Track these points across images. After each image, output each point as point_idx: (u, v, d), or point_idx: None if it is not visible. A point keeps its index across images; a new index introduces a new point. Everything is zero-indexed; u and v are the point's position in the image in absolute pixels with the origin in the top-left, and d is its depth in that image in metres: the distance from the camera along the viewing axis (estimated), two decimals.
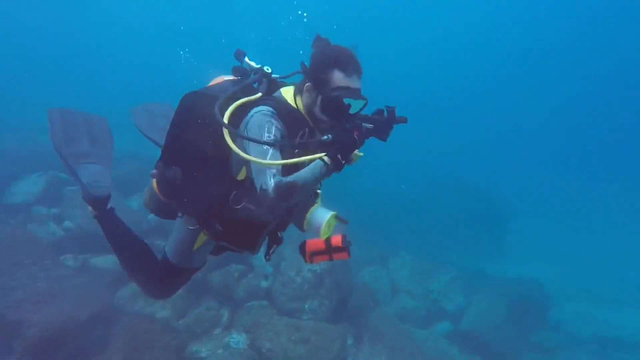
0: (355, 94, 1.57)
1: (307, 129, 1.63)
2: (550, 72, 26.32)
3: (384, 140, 1.68)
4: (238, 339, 4.11)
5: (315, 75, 1.58)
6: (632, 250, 13.97)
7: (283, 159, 1.50)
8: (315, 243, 1.69)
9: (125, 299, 4.42)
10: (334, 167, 1.47)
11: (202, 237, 1.82)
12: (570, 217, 17.93)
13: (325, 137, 1.55)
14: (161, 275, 1.90)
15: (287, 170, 1.49)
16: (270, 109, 1.57)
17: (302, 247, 1.70)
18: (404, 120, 1.63)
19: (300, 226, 1.83)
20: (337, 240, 1.68)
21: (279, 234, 1.86)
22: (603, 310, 8.96)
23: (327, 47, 1.59)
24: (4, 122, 9.31)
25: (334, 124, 1.61)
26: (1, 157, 6.56)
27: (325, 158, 1.46)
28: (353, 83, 1.56)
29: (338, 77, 1.55)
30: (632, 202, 21.05)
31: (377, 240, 10.38)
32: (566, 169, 26.24)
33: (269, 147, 1.47)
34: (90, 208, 2.07)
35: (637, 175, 25.11)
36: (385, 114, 1.60)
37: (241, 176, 1.65)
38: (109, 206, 2.07)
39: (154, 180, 1.86)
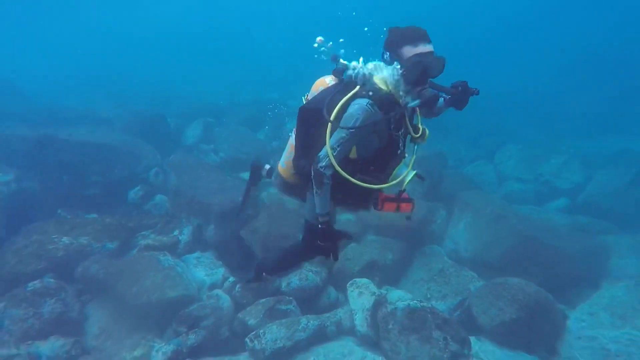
0: (427, 56, 1.76)
1: (397, 106, 1.87)
2: None
3: (460, 109, 1.94)
4: None
5: (392, 57, 1.83)
6: None
7: (377, 140, 1.89)
8: (385, 195, 2.01)
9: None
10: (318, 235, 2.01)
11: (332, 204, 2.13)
12: None
13: (414, 102, 1.81)
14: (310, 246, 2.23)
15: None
16: (367, 100, 1.82)
17: (376, 198, 2.02)
18: (476, 92, 1.84)
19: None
20: (405, 195, 2.02)
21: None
22: None
23: (393, 32, 1.84)
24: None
25: (419, 90, 1.78)
26: (173, 115, 9.25)
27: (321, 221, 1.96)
28: (421, 49, 1.76)
29: (408, 49, 1.77)
30: None
31: (481, 139, 10.36)
32: None
33: (347, 134, 1.80)
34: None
35: None
36: (460, 87, 1.84)
37: (353, 155, 1.95)
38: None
39: (280, 169, 2.30)
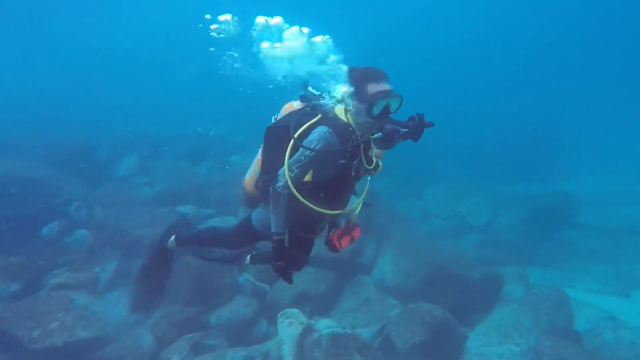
0: (388, 93, 1.91)
1: (354, 137, 1.98)
2: None
3: (416, 141, 2.08)
4: None
5: (355, 93, 1.97)
6: None
7: (332, 166, 1.97)
8: (335, 234, 2.10)
9: None
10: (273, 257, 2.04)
11: None
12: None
13: (375, 135, 1.97)
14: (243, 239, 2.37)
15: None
16: (327, 128, 1.93)
17: (328, 242, 2.11)
18: (431, 124, 2.01)
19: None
20: (351, 222, 2.13)
21: (339, 223, 2.26)
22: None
23: (356, 70, 1.99)
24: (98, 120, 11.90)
25: (380, 125, 1.95)
26: (107, 146, 8.90)
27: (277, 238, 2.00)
28: (383, 86, 1.92)
29: (372, 87, 1.91)
30: None
31: (414, 178, 11.49)
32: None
33: (305, 157, 1.90)
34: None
35: None
36: (417, 120, 2.00)
37: (308, 178, 2.02)
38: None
39: (244, 182, 2.41)
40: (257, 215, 2.30)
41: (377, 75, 1.94)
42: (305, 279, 4.92)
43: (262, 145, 2.28)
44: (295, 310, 4.17)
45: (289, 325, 3.97)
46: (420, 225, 8.99)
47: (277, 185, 1.94)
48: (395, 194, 10.37)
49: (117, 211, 5.79)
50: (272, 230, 2.01)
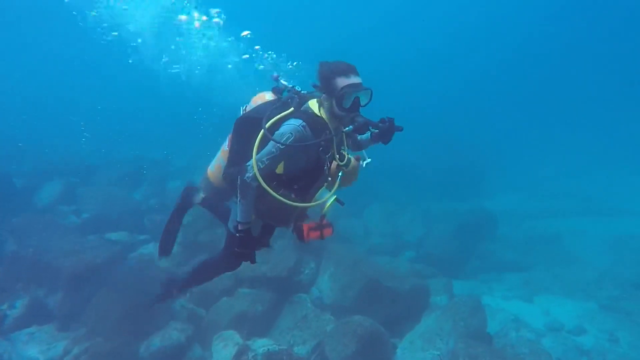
0: (357, 86, 1.93)
1: (328, 131, 1.99)
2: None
3: (386, 144, 2.08)
4: None
5: (326, 87, 1.96)
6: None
7: (304, 159, 1.98)
8: (308, 224, 2.10)
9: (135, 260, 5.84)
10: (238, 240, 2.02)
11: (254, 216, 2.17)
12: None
13: (347, 128, 1.95)
14: (229, 253, 2.25)
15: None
16: (301, 121, 1.93)
17: (299, 228, 2.09)
18: (400, 129, 2.03)
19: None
20: (325, 220, 2.12)
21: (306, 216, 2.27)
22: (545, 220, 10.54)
23: (325, 65, 1.99)
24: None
25: (352, 117, 1.95)
26: (25, 174, 8.11)
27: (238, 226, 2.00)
28: (353, 80, 1.93)
29: (341, 80, 1.92)
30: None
31: (355, 198, 12.04)
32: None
33: (276, 150, 1.88)
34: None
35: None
36: (387, 123, 1.99)
37: (279, 170, 2.01)
38: None
39: (209, 172, 2.39)
40: (231, 222, 2.26)
41: (346, 69, 1.96)
42: (242, 300, 4.92)
43: (229, 136, 2.28)
44: (230, 332, 4.16)
45: (224, 347, 3.95)
46: (362, 243, 9.40)
47: (246, 176, 1.92)
48: (337, 214, 10.73)
49: (34, 242, 5.30)
50: (238, 219, 2.00)
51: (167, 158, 11.39)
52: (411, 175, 15.01)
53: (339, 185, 2.07)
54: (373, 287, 5.41)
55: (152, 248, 5.84)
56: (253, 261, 2.13)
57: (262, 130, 1.91)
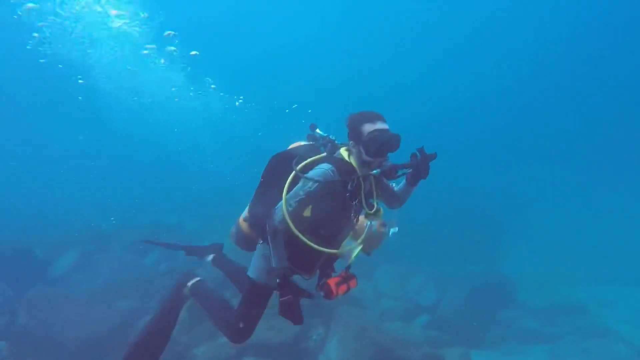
0: (384, 131, 1.98)
1: (356, 177, 2.01)
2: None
3: (425, 178, 2.09)
4: None
5: (353, 134, 2.04)
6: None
7: (331, 203, 1.97)
8: (333, 279, 2.02)
9: None
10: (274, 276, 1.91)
11: None
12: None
13: (375, 171, 2.00)
14: (240, 319, 2.17)
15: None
16: (330, 165, 1.99)
17: (325, 286, 2.00)
18: (434, 156, 2.04)
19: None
20: (350, 272, 2.09)
21: (332, 268, 2.23)
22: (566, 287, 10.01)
23: (354, 115, 2.07)
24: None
25: (379, 162, 2.00)
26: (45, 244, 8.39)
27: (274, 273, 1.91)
28: (379, 125, 2.00)
29: (368, 126, 1.99)
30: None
31: (364, 259, 11.74)
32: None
33: (304, 193, 1.92)
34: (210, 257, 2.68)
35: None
36: (419, 155, 2.04)
37: (307, 214, 2.00)
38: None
39: (241, 220, 2.36)
40: (252, 268, 2.22)
41: (372, 117, 2.02)
42: None
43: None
44: None
45: None
46: (373, 306, 9.03)
47: (275, 219, 1.92)
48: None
49: (44, 315, 5.34)
50: (274, 265, 1.93)
51: (180, 222, 11.64)
52: (423, 234, 14.76)
53: (365, 239, 2.05)
54: (385, 356, 5.15)
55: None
56: (298, 319, 1.96)
57: (293, 172, 1.95)
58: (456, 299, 8.75)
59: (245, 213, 2.36)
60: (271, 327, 5.37)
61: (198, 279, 2.54)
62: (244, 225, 2.34)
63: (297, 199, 1.93)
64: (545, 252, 14.24)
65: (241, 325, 2.18)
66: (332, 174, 1.96)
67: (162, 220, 11.67)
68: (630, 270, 11.05)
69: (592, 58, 25.50)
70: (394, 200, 2.32)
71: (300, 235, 1.89)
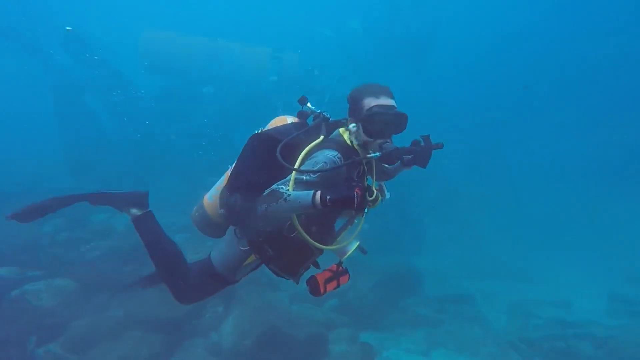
0: (388, 108, 1.68)
1: (361, 163, 1.76)
2: None
3: (424, 167, 1.83)
4: None
5: (353, 110, 1.74)
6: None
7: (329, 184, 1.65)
8: (322, 274, 1.82)
9: None
10: (321, 205, 1.52)
11: (252, 257, 1.92)
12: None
13: (373, 154, 1.69)
14: (190, 282, 1.98)
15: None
16: (336, 152, 1.70)
17: (312, 280, 1.78)
18: (440, 146, 1.76)
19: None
20: (342, 267, 1.86)
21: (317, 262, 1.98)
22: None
23: (356, 88, 1.79)
24: None
25: (380, 144, 1.70)
26: None
27: (317, 196, 1.53)
28: (383, 101, 1.68)
29: (368, 101, 1.70)
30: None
31: None
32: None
33: (306, 176, 1.63)
34: (133, 211, 2.14)
35: None
36: (422, 142, 1.77)
37: None
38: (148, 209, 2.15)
39: (206, 202, 2.01)
40: (217, 253, 1.97)
41: (375, 90, 1.73)
42: (125, 344, 4.68)
43: (235, 162, 1.95)
44: None
45: None
46: (287, 288, 9.29)
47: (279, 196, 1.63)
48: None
49: None
50: (312, 203, 1.57)
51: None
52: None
53: (360, 228, 1.86)
54: (272, 333, 5.39)
55: (42, 285, 5.45)
56: (363, 204, 1.59)
57: (293, 171, 1.65)
58: (364, 286, 9.35)
59: (212, 194, 2.03)
60: (164, 302, 5.34)
61: (147, 210, 2.20)
62: (209, 207, 2.01)
63: (297, 185, 1.66)
64: (460, 248, 15.52)
65: (188, 297, 2.11)
66: (338, 161, 1.70)
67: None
68: (512, 267, 12.69)
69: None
70: (383, 176, 2.17)
71: (299, 227, 1.69)
